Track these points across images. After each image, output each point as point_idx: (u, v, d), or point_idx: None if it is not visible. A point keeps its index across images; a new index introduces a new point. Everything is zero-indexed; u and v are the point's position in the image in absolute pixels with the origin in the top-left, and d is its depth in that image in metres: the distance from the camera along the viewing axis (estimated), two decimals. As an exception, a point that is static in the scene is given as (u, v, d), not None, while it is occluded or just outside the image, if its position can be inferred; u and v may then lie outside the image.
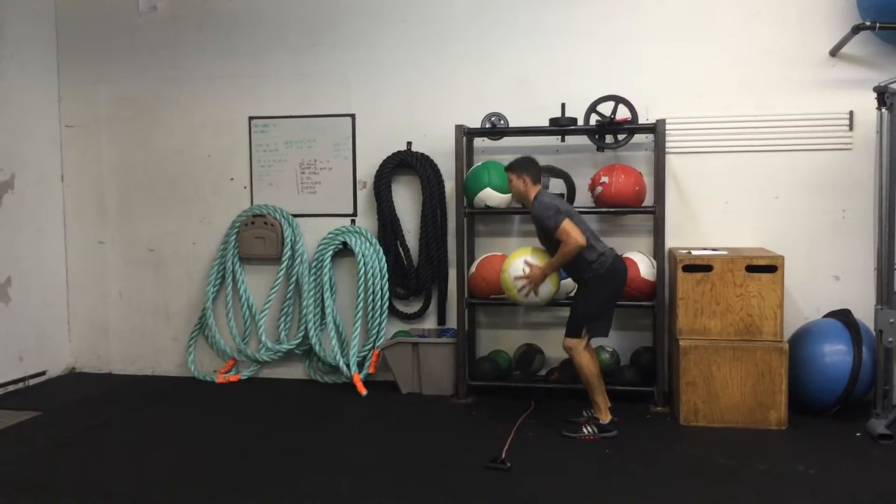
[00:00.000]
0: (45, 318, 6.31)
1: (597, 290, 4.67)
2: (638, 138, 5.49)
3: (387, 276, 5.86)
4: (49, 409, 5.46)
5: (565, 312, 5.70)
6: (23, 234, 6.09)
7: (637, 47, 5.57)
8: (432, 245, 5.81)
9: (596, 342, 5.58)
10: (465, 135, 5.52)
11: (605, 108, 5.34)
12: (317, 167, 6.09)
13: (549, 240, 4.66)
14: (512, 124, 5.51)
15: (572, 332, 4.69)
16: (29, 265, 6.13)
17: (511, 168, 4.83)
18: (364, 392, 5.62)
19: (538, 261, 4.77)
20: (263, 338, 6.08)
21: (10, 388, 5.91)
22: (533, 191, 4.75)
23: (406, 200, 5.95)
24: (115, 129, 6.39)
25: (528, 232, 5.75)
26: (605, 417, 4.69)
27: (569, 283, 5.31)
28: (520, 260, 4.82)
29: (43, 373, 6.25)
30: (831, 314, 5.18)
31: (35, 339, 6.18)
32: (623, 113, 5.32)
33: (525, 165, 4.80)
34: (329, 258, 5.94)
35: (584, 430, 4.64)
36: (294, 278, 6.04)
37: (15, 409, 5.41)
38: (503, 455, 4.27)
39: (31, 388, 6.07)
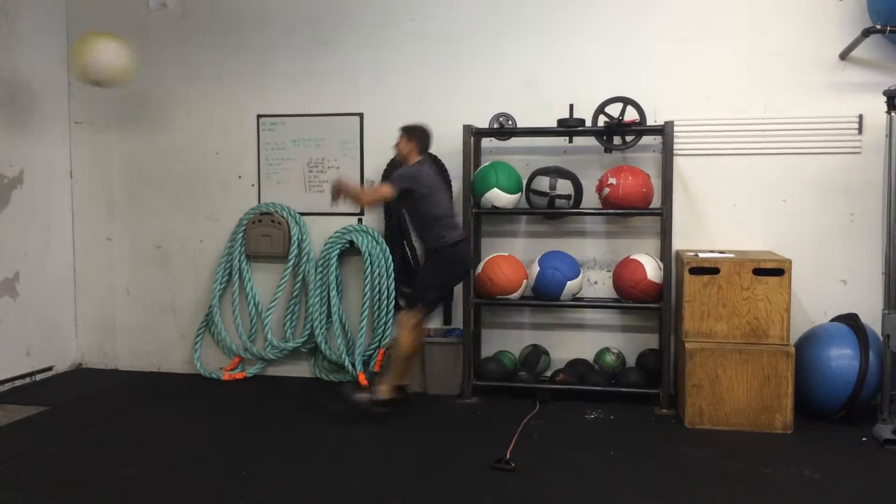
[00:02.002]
0: (53, 313, 6.33)
1: (440, 264, 4.99)
2: (646, 140, 5.48)
3: (393, 275, 5.86)
4: (55, 404, 5.48)
5: (573, 315, 5.74)
6: (31, 229, 6.11)
7: (646, 48, 5.56)
8: (439, 245, 5.81)
9: (602, 343, 5.61)
10: (473, 135, 5.52)
11: (614, 110, 5.34)
12: (324, 166, 6.10)
13: (403, 201, 4.99)
14: (520, 124, 5.51)
15: (412, 302, 5.04)
16: (37, 261, 6.15)
17: (406, 130, 5.09)
18: (369, 391, 5.63)
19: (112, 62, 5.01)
20: (269, 336, 6.09)
21: (17, 382, 5.94)
22: (413, 158, 5.04)
23: (413, 200, 5.95)
24: (124, 125, 6.41)
25: (535, 233, 5.77)
26: (386, 394, 4.95)
27: (574, 285, 5.33)
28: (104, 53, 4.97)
29: (50, 368, 6.28)
30: (838, 318, 5.16)
31: (42, 334, 6.21)
32: (631, 114, 5.31)
33: (418, 133, 5.07)
34: (336, 257, 5.95)
35: (360, 395, 4.96)
36: (300, 276, 6.06)
37: (21, 404, 5.43)
38: (508, 455, 4.26)
39: (38, 383, 6.09)
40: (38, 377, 6.14)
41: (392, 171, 5.80)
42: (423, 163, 5.06)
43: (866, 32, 4.99)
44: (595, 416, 5.07)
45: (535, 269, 5.37)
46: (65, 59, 6.39)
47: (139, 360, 6.47)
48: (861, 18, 5.19)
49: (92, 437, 4.78)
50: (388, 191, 4.86)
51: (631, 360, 5.61)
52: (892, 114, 4.71)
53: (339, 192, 4.88)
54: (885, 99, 4.73)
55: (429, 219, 4.94)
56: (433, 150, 5.79)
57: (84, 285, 6.54)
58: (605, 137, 5.45)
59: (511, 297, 5.41)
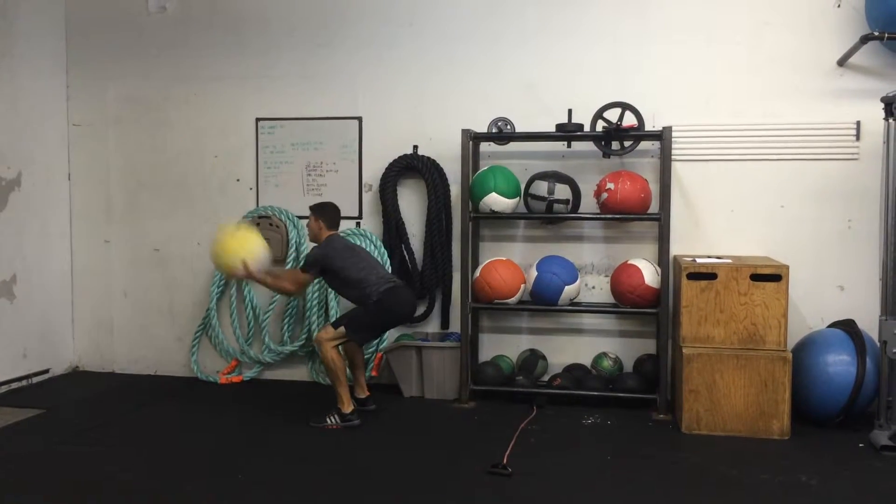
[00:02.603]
0: (50, 315, 6.32)
1: (375, 312, 5.00)
2: (644, 145, 5.48)
3: (391, 279, 5.86)
4: (52, 407, 5.47)
5: (571, 319, 5.74)
6: (29, 231, 6.11)
7: (645, 53, 5.57)
8: (437, 249, 5.81)
9: (599, 348, 5.61)
10: (472, 139, 5.52)
11: (612, 115, 5.35)
12: (323, 169, 6.10)
13: (331, 277, 5.07)
14: (518, 129, 5.51)
15: (336, 324, 5.02)
16: (34, 263, 6.15)
17: (313, 209, 5.21)
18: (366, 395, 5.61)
19: (263, 260, 4.90)
20: (267, 339, 6.08)
21: (14, 385, 5.93)
22: (325, 234, 5.13)
23: (411, 204, 5.95)
24: (123, 128, 6.41)
25: (534, 237, 5.78)
26: (348, 408, 4.97)
27: (572, 290, 5.33)
28: (254, 249, 4.87)
29: (46, 371, 6.26)
30: (835, 324, 5.17)
31: (39, 336, 6.20)
32: (630, 119, 5.32)
33: (323, 211, 5.19)
34: (333, 260, 5.95)
35: (328, 420, 4.94)
36: (298, 280, 6.05)
37: (18, 407, 5.42)
38: (505, 460, 4.26)
39: (35, 385, 6.08)
40: (35, 380, 6.13)
41: (391, 180, 5.84)
42: (332, 239, 5.13)
43: (864, 39, 5.00)
44: (592, 422, 5.07)
45: (533, 273, 5.37)
46: (64, 62, 6.40)
47: (136, 363, 6.45)
48: (859, 25, 5.21)
49: (88, 440, 4.77)
50: (302, 277, 5.03)
51: (628, 366, 5.61)
52: (890, 120, 4.71)
53: (241, 278, 5.05)
54: (882, 105, 4.73)
55: (350, 283, 5.01)
56: (432, 153, 5.84)
57: (81, 288, 6.53)
58: (603, 142, 5.45)
59: (509, 301, 5.41)
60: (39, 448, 4.63)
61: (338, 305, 5.98)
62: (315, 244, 5.23)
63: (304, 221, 6.03)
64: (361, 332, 5.09)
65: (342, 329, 4.96)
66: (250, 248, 4.89)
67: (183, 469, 4.27)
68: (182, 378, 6.26)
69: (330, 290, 5.91)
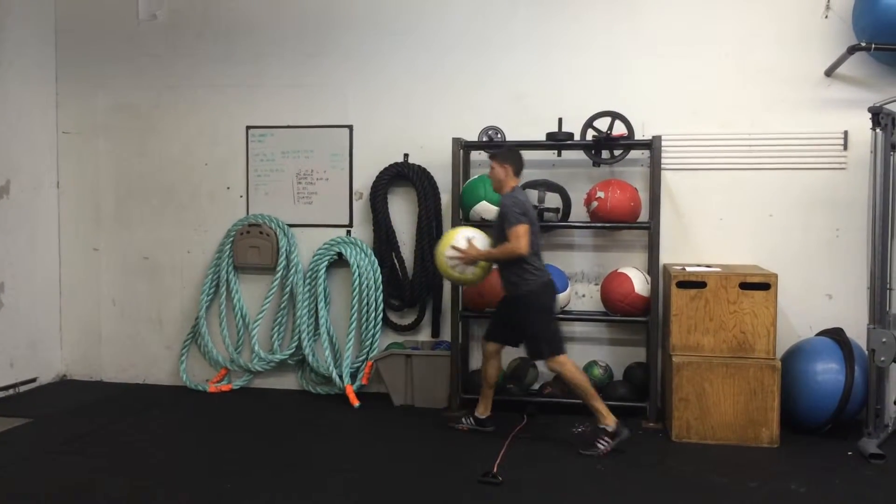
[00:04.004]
0: (38, 324, 6.28)
1: (536, 304, 4.69)
2: (634, 154, 5.51)
3: (381, 287, 5.85)
4: (39, 416, 5.43)
5: (561, 328, 5.73)
6: (17, 239, 6.07)
7: (634, 62, 5.60)
8: (427, 257, 5.81)
9: (589, 356, 5.61)
10: (462, 148, 5.53)
11: (602, 124, 5.37)
12: (313, 177, 6.10)
13: (501, 233, 4.69)
14: (509, 138, 5.52)
15: (546, 352, 4.68)
16: (22, 271, 6.11)
17: (495, 156, 4.86)
18: (356, 403, 5.60)
19: (482, 244, 4.78)
20: (256, 347, 6.06)
21: (1, 394, 5.88)
22: (511, 182, 4.77)
23: (402, 212, 5.96)
24: (112, 135, 6.39)
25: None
26: (611, 422, 4.62)
27: (562, 298, 5.33)
28: (465, 234, 4.84)
29: (34, 379, 6.22)
30: (824, 332, 5.19)
31: (27, 345, 6.16)
32: (619, 129, 5.34)
33: (510, 156, 4.84)
34: (324, 269, 5.94)
35: (599, 445, 4.58)
36: (288, 288, 6.04)
37: (5, 416, 5.37)
38: (495, 469, 4.25)
39: (22, 394, 6.04)
40: (22, 389, 6.08)
41: (382, 188, 5.83)
42: (520, 190, 4.80)
43: (851, 50, 5.05)
44: (583, 430, 5.07)
45: (524, 282, 5.37)
46: (53, 69, 6.38)
47: (124, 372, 6.42)
48: (846, 36, 5.25)
49: (76, 449, 4.73)
50: (523, 244, 4.53)
51: (618, 374, 5.62)
52: (877, 130, 4.76)
53: (466, 262, 4.74)
54: (869, 116, 4.78)
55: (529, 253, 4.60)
56: (422, 161, 5.84)
57: (70, 296, 6.49)
58: (593, 151, 5.48)
59: (500, 309, 5.41)
60: (26, 457, 4.59)
61: (328, 314, 5.97)
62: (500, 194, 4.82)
63: (296, 229, 6.07)
64: (552, 327, 4.75)
65: (548, 347, 4.66)
66: (458, 234, 4.83)
67: (172, 479, 4.24)
68: (171, 387, 6.23)
69: (320, 298, 5.90)
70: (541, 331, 4.71)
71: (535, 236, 4.67)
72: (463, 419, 5.07)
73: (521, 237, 4.54)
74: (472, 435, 5.01)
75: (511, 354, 5.78)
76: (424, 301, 5.91)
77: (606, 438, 4.59)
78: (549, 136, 5.43)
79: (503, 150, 4.95)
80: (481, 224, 5.45)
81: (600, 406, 4.66)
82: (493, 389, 5.02)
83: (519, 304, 4.75)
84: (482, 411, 5.01)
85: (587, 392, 4.66)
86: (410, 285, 5.89)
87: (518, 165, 4.83)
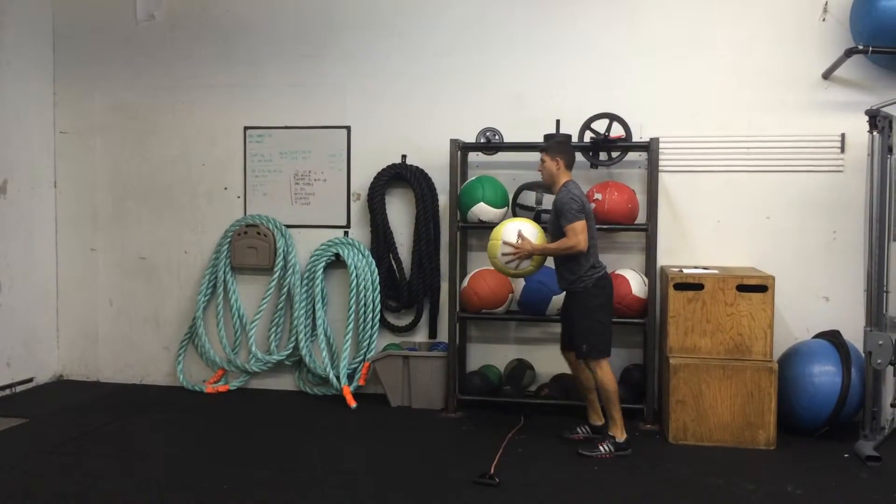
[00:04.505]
0: (34, 324, 6.27)
1: (594, 301, 4.61)
2: (631, 156, 5.51)
3: (379, 288, 5.86)
4: (36, 416, 5.42)
5: (559, 329, 5.72)
6: (14, 239, 6.06)
7: (632, 64, 5.61)
8: (425, 258, 5.81)
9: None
10: (460, 149, 5.53)
11: (600, 126, 5.38)
12: (311, 178, 6.09)
13: (558, 229, 4.61)
14: (507, 139, 5.53)
15: (596, 354, 4.60)
16: (19, 271, 6.10)
17: (546, 149, 4.73)
18: (353, 405, 5.60)
19: (534, 236, 4.70)
20: (254, 348, 6.06)
21: (-3, 394, 5.89)
22: (564, 176, 4.67)
23: (400, 213, 5.96)
24: (110, 136, 6.39)
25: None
26: (622, 436, 4.63)
27: (560, 300, 5.33)
28: (517, 226, 4.73)
29: (30, 379, 6.21)
30: (821, 335, 5.20)
31: (23, 345, 6.15)
32: (617, 130, 5.35)
33: (561, 148, 4.73)
34: (321, 269, 5.94)
35: (601, 448, 4.59)
36: (286, 289, 6.03)
37: (1, 416, 5.36)
38: (492, 470, 4.25)
39: (18, 394, 6.03)
40: (19, 389, 6.08)
41: (379, 189, 5.82)
42: (574, 183, 4.66)
43: (849, 52, 5.06)
44: (580, 431, 5.06)
45: (521, 283, 5.38)
46: (51, 69, 6.37)
47: (121, 373, 6.41)
48: (844, 39, 5.26)
49: (73, 450, 4.73)
50: (582, 241, 4.46)
51: (615, 376, 5.59)
52: (874, 133, 4.77)
53: (520, 257, 4.64)
54: (867, 118, 4.79)
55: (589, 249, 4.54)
56: (420, 162, 5.84)
57: (67, 296, 6.48)
58: (591, 153, 5.48)
59: (497, 311, 5.41)
60: (23, 457, 4.58)
61: (325, 315, 5.97)
62: (552, 188, 4.71)
63: (293, 230, 6.06)
64: (608, 333, 4.64)
65: (603, 353, 4.60)
66: (507, 227, 4.72)
67: (168, 479, 4.23)
68: (168, 387, 6.22)
69: (317, 299, 5.90)
70: (587, 329, 4.61)
71: (592, 231, 4.61)
72: (578, 428, 4.93)
73: (579, 233, 4.46)
74: (469, 436, 5.01)
75: (509, 356, 5.79)
76: (422, 302, 5.91)
77: (610, 445, 4.58)
78: (547, 137, 5.42)
79: (554, 143, 4.81)
80: (480, 225, 5.47)
81: (618, 417, 4.63)
82: (595, 394, 4.84)
83: (572, 300, 4.70)
84: (595, 419, 4.92)
85: (611, 400, 4.62)
86: (408, 286, 5.89)
87: (570, 158, 4.70)
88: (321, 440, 4.92)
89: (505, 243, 4.68)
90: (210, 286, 6.17)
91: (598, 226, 5.31)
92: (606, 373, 4.62)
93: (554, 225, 4.67)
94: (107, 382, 6.40)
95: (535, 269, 4.79)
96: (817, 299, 5.43)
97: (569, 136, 4.94)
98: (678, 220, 5.57)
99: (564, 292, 5.32)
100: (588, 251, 4.55)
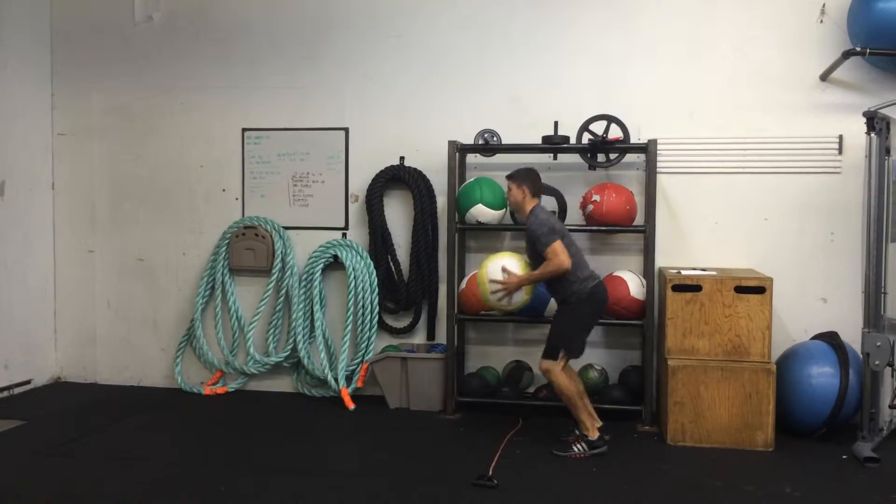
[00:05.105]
0: (32, 326, 6.26)
1: (576, 312, 4.70)
2: (630, 157, 5.52)
3: (377, 290, 5.85)
4: (34, 418, 5.41)
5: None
6: (12, 241, 6.05)
7: (630, 66, 5.61)
8: (423, 260, 5.81)
9: (584, 360, 5.60)
10: (458, 151, 5.53)
11: (598, 127, 5.38)
12: (309, 180, 6.09)
13: (536, 254, 4.69)
14: (505, 141, 5.53)
15: (550, 353, 4.69)
16: (17, 272, 6.09)
17: (512, 177, 4.83)
18: (352, 406, 5.60)
19: (517, 268, 4.79)
20: (252, 350, 6.05)
21: (-5, 396, 5.88)
22: (530, 203, 4.76)
23: (398, 215, 5.96)
24: (108, 137, 6.38)
25: (520, 249, 5.75)
26: (593, 434, 4.67)
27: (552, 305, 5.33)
28: (499, 263, 4.86)
29: (28, 381, 6.20)
30: (819, 336, 5.20)
31: (21, 347, 6.14)
32: (615, 132, 5.35)
33: (526, 176, 4.80)
34: (319, 271, 5.94)
35: (574, 448, 4.63)
36: (284, 291, 6.03)
37: (-1, 418, 5.37)
38: (490, 472, 4.25)
39: (16, 396, 6.02)
40: (17, 391, 6.07)
41: (377, 191, 5.83)
42: (544, 209, 4.81)
43: (846, 54, 5.07)
44: (578, 433, 5.07)
45: (519, 285, 5.37)
46: (49, 70, 6.37)
47: (119, 374, 6.40)
48: (841, 41, 5.27)
49: (71, 452, 4.72)
50: (563, 260, 4.53)
51: (614, 377, 5.62)
52: (872, 135, 4.77)
53: (510, 292, 4.75)
54: (864, 120, 4.79)
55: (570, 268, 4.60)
56: (418, 164, 5.84)
57: (64, 298, 6.47)
58: (589, 155, 5.48)
59: (495, 312, 5.41)
60: (20, 460, 4.58)
61: (323, 317, 5.96)
62: (515, 217, 4.84)
63: (291, 232, 6.07)
64: (575, 337, 4.72)
65: (561, 353, 4.66)
66: (490, 266, 4.85)
67: (167, 482, 4.23)
68: (166, 389, 6.21)
69: (315, 300, 5.89)
70: (559, 333, 4.71)
71: (572, 246, 4.67)
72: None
73: (560, 254, 4.54)
74: (467, 438, 5.01)
75: (507, 357, 5.79)
76: (420, 304, 5.91)
77: (583, 444, 4.63)
78: (545, 139, 5.43)
79: (520, 171, 4.88)
80: (478, 227, 5.47)
81: (584, 417, 4.68)
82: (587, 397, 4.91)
83: (565, 307, 4.76)
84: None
85: (571, 402, 4.67)
86: (406, 288, 5.89)
87: (535, 186, 4.79)
88: (319, 442, 4.92)
89: (492, 282, 4.78)
90: (208, 288, 6.16)
91: (596, 227, 5.35)
92: (559, 377, 4.65)
93: (531, 251, 4.75)
94: (105, 384, 6.38)
95: (528, 298, 4.92)
96: (815, 301, 5.43)
97: (533, 169, 4.99)
98: (676, 222, 5.57)
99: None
100: (574, 266, 4.60)
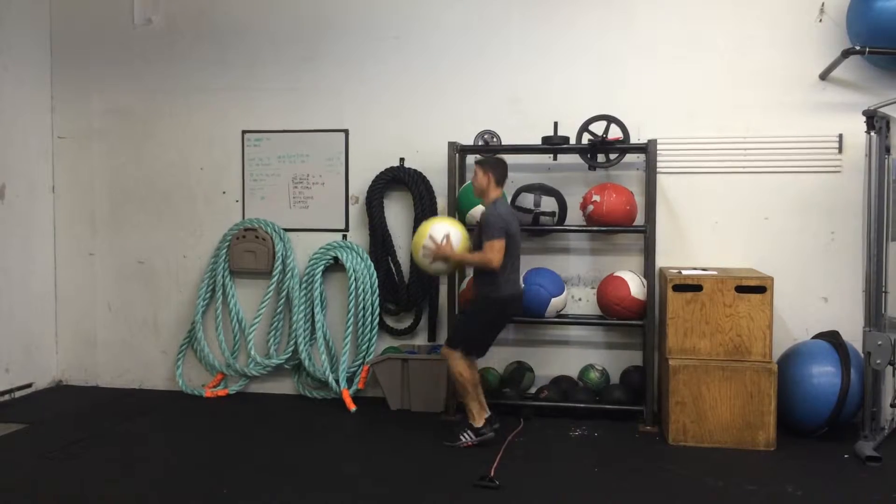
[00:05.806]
0: (33, 329, 6.26)
1: (482, 312, 4.82)
2: (629, 158, 5.52)
3: (377, 291, 5.86)
4: (35, 421, 5.41)
5: (558, 331, 5.75)
6: (12, 244, 6.06)
7: (630, 66, 5.61)
8: (424, 261, 5.81)
9: (586, 360, 5.62)
10: (458, 152, 5.53)
11: (598, 128, 5.38)
12: (309, 182, 6.09)
13: (479, 240, 4.73)
14: (504, 142, 5.53)
15: (451, 344, 4.85)
16: (17, 276, 6.09)
17: (480, 163, 4.89)
18: (353, 408, 5.60)
19: (458, 242, 4.81)
20: (253, 352, 6.05)
21: (-4, 399, 5.88)
22: (494, 192, 4.80)
23: (398, 216, 5.96)
24: (108, 140, 6.38)
25: (521, 249, 5.76)
26: (479, 422, 4.79)
27: (559, 302, 5.34)
28: (446, 229, 4.84)
29: (29, 385, 6.20)
30: (820, 335, 5.21)
31: (22, 350, 6.14)
32: (615, 132, 5.35)
33: (496, 165, 4.85)
34: (320, 273, 5.94)
35: (462, 437, 4.78)
36: (284, 293, 6.03)
37: (0, 422, 5.36)
38: (492, 473, 4.25)
39: (17, 400, 6.02)
40: (18, 394, 6.07)
41: (377, 192, 5.83)
42: (504, 202, 4.86)
43: (846, 53, 5.07)
44: (579, 434, 5.07)
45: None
46: (49, 73, 6.37)
47: (120, 377, 6.40)
48: (841, 39, 5.27)
49: (72, 455, 4.71)
50: (496, 258, 4.59)
51: (615, 377, 5.62)
52: (872, 133, 4.77)
53: (436, 257, 4.78)
54: (864, 119, 4.79)
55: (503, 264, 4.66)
56: (418, 165, 5.84)
57: (65, 301, 6.47)
58: (589, 155, 5.48)
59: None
60: (22, 463, 4.58)
61: (324, 319, 5.96)
62: (481, 199, 4.89)
63: (292, 234, 6.07)
64: (476, 338, 4.85)
65: (459, 346, 4.78)
66: (437, 226, 4.86)
67: (169, 484, 4.23)
68: (167, 392, 6.21)
69: (316, 302, 5.89)
70: (462, 324, 4.94)
71: (515, 250, 4.74)
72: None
73: (496, 252, 4.61)
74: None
75: (509, 358, 5.79)
76: (421, 305, 5.91)
77: (470, 433, 4.77)
78: (545, 139, 5.43)
79: (490, 158, 4.98)
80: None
81: (474, 406, 4.80)
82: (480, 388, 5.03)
83: (475, 301, 4.87)
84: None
85: (464, 388, 4.78)
86: (407, 289, 5.89)
87: (501, 175, 4.84)
88: (320, 444, 4.92)
89: (430, 239, 4.81)
90: (209, 290, 6.16)
91: (596, 227, 5.35)
92: (457, 363, 4.76)
93: (477, 237, 4.78)
94: (106, 387, 6.38)
95: (447, 271, 5.08)
96: (816, 300, 5.43)
97: (503, 160, 4.98)
98: (676, 222, 5.57)
99: (563, 295, 5.34)
100: (503, 269, 4.66)
